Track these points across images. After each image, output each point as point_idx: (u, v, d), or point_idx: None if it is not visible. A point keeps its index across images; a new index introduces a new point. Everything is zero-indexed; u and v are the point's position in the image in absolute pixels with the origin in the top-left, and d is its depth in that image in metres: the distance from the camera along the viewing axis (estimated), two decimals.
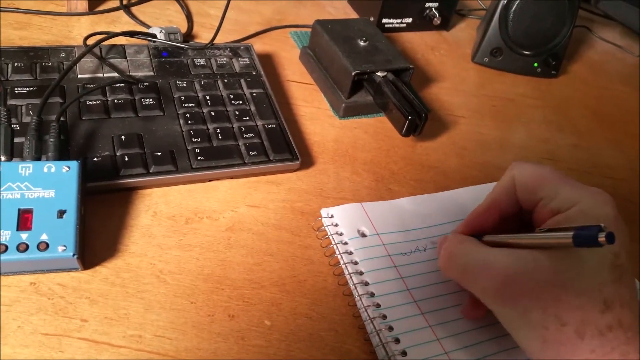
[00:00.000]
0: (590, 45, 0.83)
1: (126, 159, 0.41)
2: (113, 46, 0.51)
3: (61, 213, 0.34)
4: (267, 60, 0.61)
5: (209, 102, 0.48)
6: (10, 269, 0.34)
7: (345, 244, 0.41)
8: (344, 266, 0.40)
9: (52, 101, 0.44)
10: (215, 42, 0.55)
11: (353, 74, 0.52)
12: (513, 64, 0.69)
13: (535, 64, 0.70)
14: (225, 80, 0.51)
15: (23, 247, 0.33)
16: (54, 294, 0.34)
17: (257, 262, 0.40)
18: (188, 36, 0.61)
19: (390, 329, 0.36)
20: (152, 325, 0.34)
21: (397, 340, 0.36)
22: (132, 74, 0.49)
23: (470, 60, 0.70)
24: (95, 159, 0.41)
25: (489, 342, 0.37)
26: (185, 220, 0.41)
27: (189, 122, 0.46)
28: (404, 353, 0.35)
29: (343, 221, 0.43)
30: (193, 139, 0.44)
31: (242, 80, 0.52)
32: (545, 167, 0.35)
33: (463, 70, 0.68)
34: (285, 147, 0.47)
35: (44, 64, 0.47)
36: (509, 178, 0.36)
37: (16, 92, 0.44)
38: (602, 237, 0.26)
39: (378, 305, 0.38)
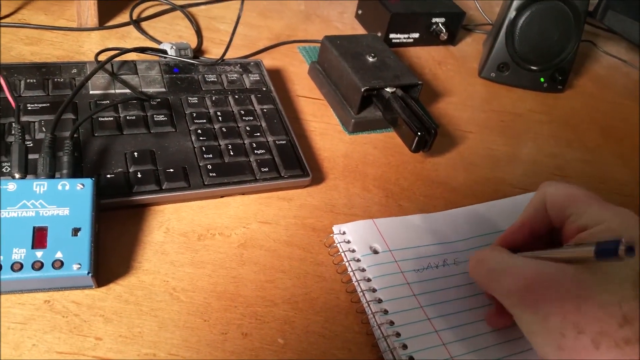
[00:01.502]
0: (596, 59, 0.84)
1: (139, 175, 0.41)
2: (124, 62, 0.51)
3: (76, 231, 0.34)
4: (276, 75, 0.61)
5: (220, 118, 0.48)
6: (25, 286, 0.34)
7: (358, 260, 0.41)
8: (356, 283, 0.40)
9: (65, 117, 0.44)
10: (225, 57, 0.56)
11: (362, 90, 0.52)
12: (520, 79, 0.70)
13: (542, 79, 0.70)
14: (236, 96, 0.51)
15: (38, 265, 0.33)
16: (68, 312, 0.34)
17: (269, 279, 0.40)
18: (198, 51, 0.61)
19: (405, 347, 0.36)
20: (166, 344, 0.34)
21: (411, 359, 0.36)
22: (144, 90, 0.49)
23: (477, 75, 0.70)
24: (108, 176, 0.41)
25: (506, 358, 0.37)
26: (198, 236, 0.41)
27: (201, 138, 0.46)
28: None
29: (355, 238, 0.43)
30: (205, 155, 0.45)
31: (252, 96, 0.52)
32: (575, 186, 0.37)
33: (470, 85, 0.69)
34: (296, 163, 0.47)
35: (56, 80, 0.47)
36: (540, 196, 0.38)
37: (29, 108, 0.44)
38: (621, 250, 0.27)
39: (392, 323, 0.38)
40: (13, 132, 0.39)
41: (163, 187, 0.42)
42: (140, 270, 0.38)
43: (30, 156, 0.40)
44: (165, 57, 0.54)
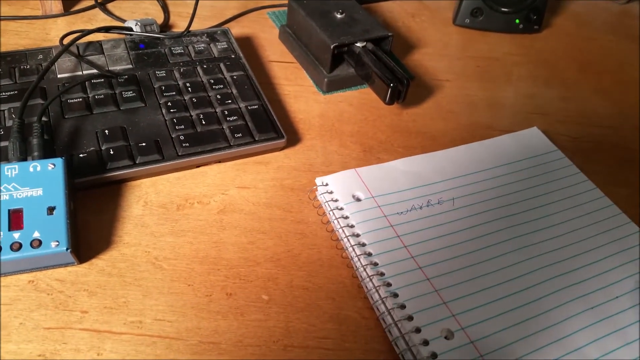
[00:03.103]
0: None
1: (111, 152, 0.41)
2: (90, 43, 0.51)
3: (51, 210, 0.35)
4: (247, 42, 0.61)
5: (189, 89, 0.48)
6: (7, 269, 0.35)
7: (341, 209, 0.42)
8: (340, 230, 0.41)
9: (33, 103, 0.44)
10: (191, 29, 0.55)
11: (332, 47, 0.52)
12: (494, 22, 0.69)
13: (517, 21, 0.69)
14: (205, 66, 0.51)
15: (16, 246, 0.33)
16: (52, 289, 0.35)
17: (250, 241, 0.40)
18: (165, 27, 0.61)
19: (389, 284, 0.37)
20: (152, 310, 0.35)
21: (396, 295, 0.36)
22: (111, 68, 0.49)
23: (452, 23, 0.70)
24: (82, 155, 0.41)
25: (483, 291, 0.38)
26: (177, 207, 0.42)
27: (171, 110, 0.46)
28: (402, 306, 0.36)
29: (337, 188, 0.43)
30: (177, 127, 0.45)
31: (221, 65, 0.52)
32: None
33: (445, 35, 0.68)
34: (269, 126, 0.47)
35: (22, 67, 0.47)
36: None
37: None
38: None
39: (375, 264, 0.38)
40: None
41: (137, 162, 0.42)
42: (121, 243, 0.38)
43: (2, 144, 0.40)
44: (130, 35, 0.54)
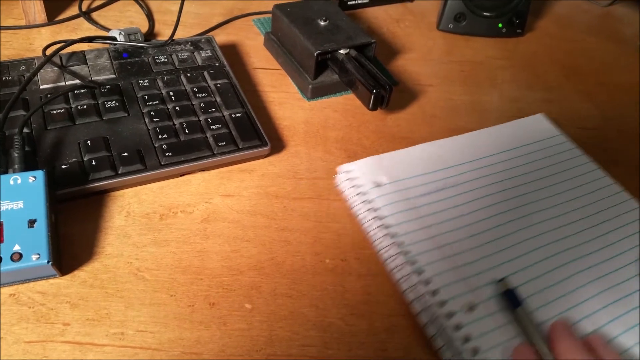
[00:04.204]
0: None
1: (93, 163, 0.41)
2: (73, 53, 0.51)
3: (32, 222, 0.35)
4: (232, 50, 0.61)
5: (173, 97, 0.48)
6: None
7: (364, 194, 0.44)
8: (363, 215, 0.43)
9: (15, 114, 0.44)
10: (176, 37, 0.55)
11: (315, 54, 0.52)
12: (478, 27, 0.69)
13: (500, 25, 0.70)
14: (188, 74, 0.51)
15: None
16: (34, 302, 0.35)
17: (234, 249, 0.40)
18: (150, 35, 0.61)
19: (413, 262, 0.39)
20: (134, 322, 0.35)
21: (420, 272, 0.39)
22: (94, 78, 0.49)
23: (436, 28, 0.70)
24: (63, 167, 0.41)
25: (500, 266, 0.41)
26: (160, 216, 0.42)
27: (154, 119, 0.46)
28: (427, 282, 0.38)
29: (361, 174, 0.45)
30: (160, 136, 0.45)
31: (205, 73, 0.52)
32: None
33: (429, 40, 0.68)
34: (253, 134, 0.47)
35: (4, 78, 0.47)
36: None
37: None
38: None
39: (401, 243, 0.40)
40: None
41: (119, 172, 0.42)
42: (103, 255, 0.38)
43: None
44: (114, 44, 0.54)
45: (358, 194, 0.44)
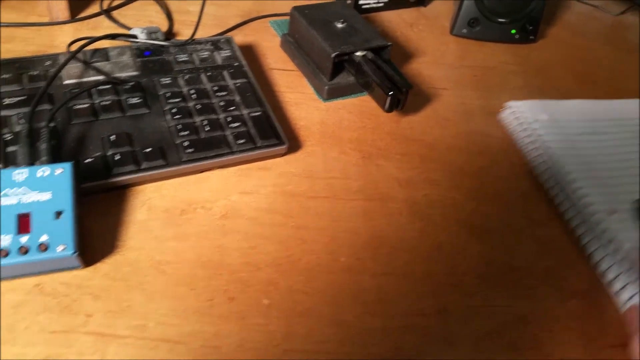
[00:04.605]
0: (567, 7, 0.84)
1: (117, 157, 0.42)
2: (96, 50, 0.52)
3: (58, 214, 0.36)
4: (249, 50, 0.62)
5: (193, 95, 0.49)
6: (14, 272, 0.36)
7: (528, 125, 0.54)
8: (529, 144, 0.52)
9: (41, 108, 0.45)
10: (195, 37, 0.56)
11: (333, 55, 0.53)
12: (491, 33, 0.70)
13: (513, 31, 0.70)
14: (209, 74, 0.52)
15: (24, 250, 0.34)
16: (58, 293, 0.36)
17: (252, 246, 0.41)
18: (169, 34, 0.62)
19: (568, 173, 0.49)
20: (155, 314, 0.36)
21: (579, 188, 0.47)
22: (117, 75, 0.50)
23: (449, 33, 0.71)
24: (87, 161, 0.42)
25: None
26: (180, 212, 0.43)
27: (176, 117, 0.47)
28: (577, 189, 0.48)
29: (526, 110, 0.55)
30: (181, 133, 0.46)
31: (225, 72, 0.53)
32: None
33: (443, 44, 0.69)
34: (271, 132, 0.48)
35: (30, 73, 0.48)
36: None
37: (6, 103, 0.45)
38: None
39: (557, 162, 0.49)
40: None
41: (142, 167, 0.43)
42: (125, 248, 0.39)
43: (11, 148, 0.41)
44: (136, 42, 0.55)
45: (522, 124, 0.54)
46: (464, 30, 0.69)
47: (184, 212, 0.43)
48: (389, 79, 0.51)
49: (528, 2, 0.68)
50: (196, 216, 0.42)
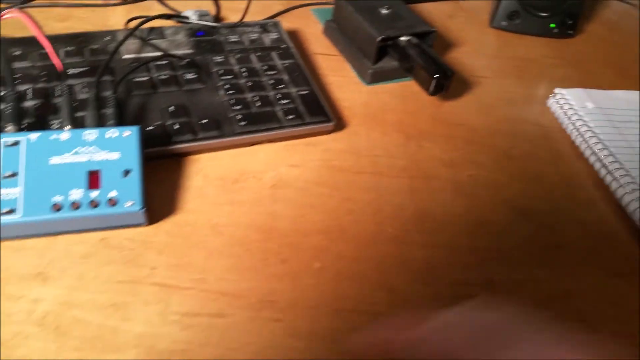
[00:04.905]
0: (606, 5, 0.84)
1: (176, 126, 0.44)
2: (152, 29, 0.54)
3: (126, 172, 0.38)
4: (293, 36, 0.63)
5: (244, 73, 0.51)
6: (83, 225, 0.38)
7: (575, 112, 0.55)
8: (575, 130, 0.54)
9: (102, 80, 0.47)
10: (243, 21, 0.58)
11: (378, 39, 0.54)
12: (530, 26, 0.71)
13: (552, 25, 0.71)
14: (258, 54, 0.54)
15: (94, 204, 0.36)
16: (123, 247, 0.38)
17: (301, 214, 0.43)
18: (216, 19, 0.64)
19: (613, 154, 0.50)
20: (214, 270, 0.37)
21: (627, 171, 0.48)
22: (173, 52, 0.52)
23: (488, 25, 0.72)
24: (149, 129, 0.44)
25: None
26: (233, 180, 0.44)
27: (229, 92, 0.49)
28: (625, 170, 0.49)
29: (572, 98, 0.57)
30: (234, 107, 0.48)
31: (273, 53, 0.55)
32: None
33: (482, 36, 0.70)
34: (319, 110, 0.49)
35: (91, 47, 0.50)
36: None
37: (70, 73, 0.47)
38: None
39: (610, 154, 0.50)
40: (60, 91, 0.42)
41: (198, 137, 0.45)
42: (184, 210, 0.41)
43: (79, 114, 0.43)
44: (188, 23, 0.57)
45: (568, 111, 0.56)
46: (504, 23, 0.70)
47: (236, 181, 0.44)
48: (434, 62, 0.53)
49: None
50: (248, 185, 0.44)
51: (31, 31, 0.45)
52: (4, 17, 0.48)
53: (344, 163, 0.48)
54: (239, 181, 0.44)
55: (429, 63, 0.52)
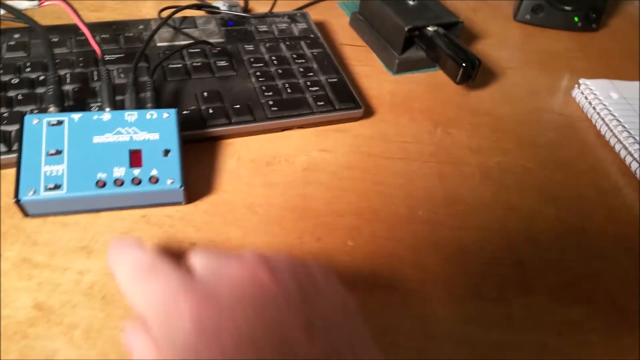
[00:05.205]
0: (629, 1, 0.84)
1: (210, 111, 0.46)
2: (185, 18, 0.55)
3: (166, 152, 0.39)
4: (320, 27, 0.64)
5: (275, 61, 0.52)
6: (125, 202, 0.39)
7: (600, 101, 0.56)
8: (600, 120, 0.55)
9: (139, 65, 0.48)
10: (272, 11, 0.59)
11: (406, 29, 0.55)
12: (554, 19, 0.71)
13: (576, 19, 0.71)
14: (287, 43, 0.55)
15: (137, 181, 0.37)
16: (163, 223, 0.39)
17: (334, 196, 0.44)
18: (245, 9, 0.65)
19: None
20: (251, 246, 0.38)
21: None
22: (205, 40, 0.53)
23: (512, 19, 0.72)
24: (184, 112, 0.45)
25: None
26: (266, 163, 0.45)
27: (260, 79, 0.50)
28: None
29: (597, 88, 0.58)
30: (265, 93, 0.49)
31: (302, 43, 0.56)
32: None
33: (506, 29, 0.71)
34: (348, 97, 0.50)
35: (126, 35, 0.52)
36: None
37: (106, 59, 0.48)
38: None
39: (635, 142, 0.51)
40: (100, 74, 0.44)
41: (232, 121, 0.46)
42: (220, 190, 0.42)
43: (118, 97, 0.44)
44: (219, 13, 0.58)
45: (592, 101, 0.57)
46: (528, 16, 0.71)
47: (269, 164, 0.45)
48: (462, 51, 0.53)
49: None
50: (280, 167, 0.45)
51: (71, 18, 0.47)
52: (44, 4, 0.49)
53: (373, 149, 0.49)
54: (272, 164, 0.45)
55: (456, 52, 0.53)
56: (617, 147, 0.52)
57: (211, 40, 0.53)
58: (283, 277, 0.25)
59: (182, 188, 0.38)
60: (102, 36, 0.51)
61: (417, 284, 0.38)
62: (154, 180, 0.38)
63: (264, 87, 0.49)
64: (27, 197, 0.36)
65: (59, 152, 0.38)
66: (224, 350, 0.21)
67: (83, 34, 0.47)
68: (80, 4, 0.61)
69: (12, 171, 0.40)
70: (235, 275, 0.25)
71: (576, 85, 0.59)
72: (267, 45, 0.54)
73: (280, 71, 0.51)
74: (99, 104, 0.44)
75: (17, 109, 0.43)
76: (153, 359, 0.23)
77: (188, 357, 0.21)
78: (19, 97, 0.44)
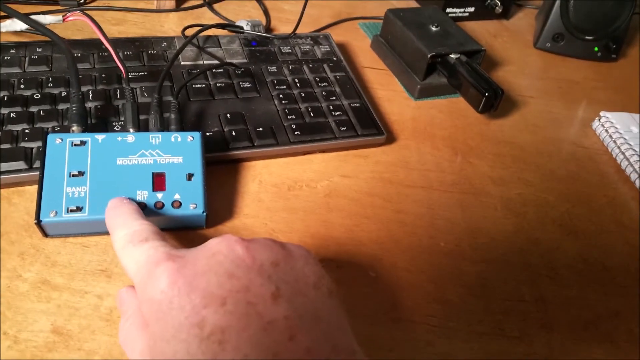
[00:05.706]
0: None
1: (233, 133, 0.45)
2: (208, 37, 0.55)
3: (190, 176, 0.39)
4: (341, 49, 0.64)
5: (298, 84, 0.52)
6: None
7: (621, 135, 0.56)
8: (620, 154, 0.55)
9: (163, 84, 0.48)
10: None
11: (429, 55, 0.55)
12: (574, 48, 0.71)
13: (596, 48, 0.71)
14: (310, 65, 0.55)
15: (160, 205, 0.37)
16: (182, 247, 0.38)
17: (355, 224, 0.43)
18: (267, 30, 0.65)
19: None
20: None
21: None
22: (228, 61, 0.53)
23: (533, 46, 0.72)
24: (208, 134, 0.45)
25: None
26: (288, 187, 0.45)
27: (283, 102, 0.50)
28: None
29: (617, 121, 0.58)
30: (288, 117, 0.48)
31: (324, 65, 0.56)
32: None
33: (526, 56, 0.71)
34: (370, 123, 0.50)
35: (150, 52, 0.52)
36: None
37: (129, 76, 0.48)
38: None
39: None
40: (125, 93, 0.43)
41: (255, 144, 0.45)
42: (242, 215, 0.42)
43: (142, 117, 0.44)
44: (242, 33, 0.58)
45: (613, 134, 0.57)
46: (548, 44, 0.71)
47: (291, 188, 0.45)
48: (484, 80, 0.53)
49: (613, 20, 0.69)
50: (302, 193, 0.45)
51: (95, 34, 0.47)
52: (68, 19, 0.49)
53: (395, 176, 0.48)
54: (293, 189, 0.45)
55: (479, 81, 0.53)
56: (638, 182, 0.52)
57: (235, 61, 0.53)
58: (259, 253, 0.27)
59: (205, 214, 0.38)
60: (124, 52, 0.51)
61: (439, 320, 0.37)
62: (176, 204, 0.37)
63: (286, 110, 0.49)
64: (48, 218, 0.36)
65: (81, 174, 0.37)
66: (193, 305, 0.24)
67: (106, 50, 0.47)
68: (102, 17, 0.61)
69: (31, 188, 0.41)
70: (214, 248, 0.27)
71: (597, 118, 0.59)
72: (290, 67, 0.54)
73: (303, 94, 0.51)
74: (121, 123, 0.44)
75: (38, 124, 0.43)
76: (134, 314, 0.28)
77: (162, 309, 0.24)
78: (41, 112, 0.44)
